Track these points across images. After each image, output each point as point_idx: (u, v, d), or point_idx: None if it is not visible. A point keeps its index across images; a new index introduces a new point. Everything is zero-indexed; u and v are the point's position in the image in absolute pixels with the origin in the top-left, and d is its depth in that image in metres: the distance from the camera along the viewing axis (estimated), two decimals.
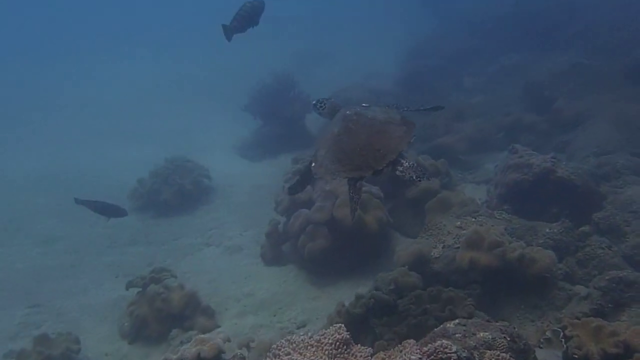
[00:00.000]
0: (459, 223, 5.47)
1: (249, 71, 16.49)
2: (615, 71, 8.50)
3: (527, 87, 9.05)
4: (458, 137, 8.00)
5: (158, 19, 30.75)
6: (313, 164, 3.76)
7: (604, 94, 8.02)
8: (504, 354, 2.89)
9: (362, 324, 4.35)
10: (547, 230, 5.10)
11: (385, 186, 6.48)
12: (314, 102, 4.27)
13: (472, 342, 3.04)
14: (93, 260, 6.90)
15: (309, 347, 2.94)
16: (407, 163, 3.57)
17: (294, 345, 2.96)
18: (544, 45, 12.96)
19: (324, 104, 4.19)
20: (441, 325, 3.39)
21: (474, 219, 5.47)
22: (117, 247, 7.18)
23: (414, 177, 3.53)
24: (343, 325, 3.05)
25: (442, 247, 5.13)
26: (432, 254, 5.02)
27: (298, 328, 5.09)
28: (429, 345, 2.76)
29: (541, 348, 3.57)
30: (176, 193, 8.18)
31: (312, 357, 2.86)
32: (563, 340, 3.34)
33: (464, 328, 3.22)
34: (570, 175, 5.63)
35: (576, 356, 3.18)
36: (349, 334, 3.01)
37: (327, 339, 2.91)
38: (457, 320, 3.37)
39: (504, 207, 5.95)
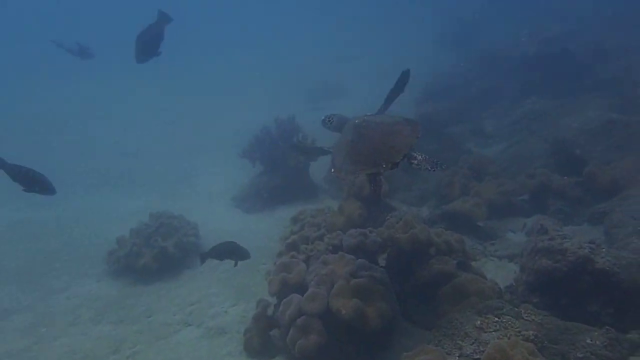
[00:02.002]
0: (479, 322, 4.70)
1: (261, 109, 16.23)
2: None
3: (556, 144, 8.36)
4: (476, 202, 7.29)
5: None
6: (332, 170, 4.34)
7: None
8: None
9: None
10: (589, 341, 4.31)
11: (393, 268, 5.78)
12: (322, 118, 4.93)
13: None
14: (49, 343, 6.16)
15: None
16: (420, 156, 4.31)
17: None
18: (571, 91, 12.33)
19: (332, 119, 4.88)
20: None
21: (497, 319, 4.70)
22: (80, 324, 6.46)
23: (429, 168, 4.26)
24: None
25: (459, 357, 4.36)
26: None
27: None
28: None
29: None
30: (157, 256, 7.54)
31: None
32: None
33: None
34: (613, 267, 4.86)
35: None
36: None
37: None
38: None
39: (532, 299, 5.20)
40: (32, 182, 5.46)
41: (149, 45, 6.06)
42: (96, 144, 15.52)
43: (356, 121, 4.51)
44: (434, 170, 4.31)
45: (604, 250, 5.08)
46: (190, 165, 13.23)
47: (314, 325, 5.02)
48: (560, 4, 22.08)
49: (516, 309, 4.84)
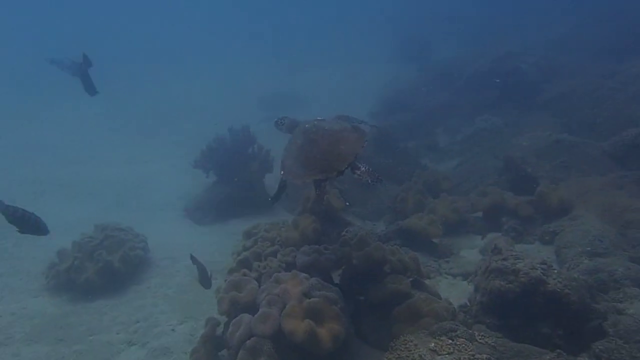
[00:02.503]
0: (433, 345, 4.65)
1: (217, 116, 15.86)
2: (600, 151, 8.06)
3: (508, 162, 8.53)
4: (432, 219, 7.29)
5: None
6: (282, 172, 4.51)
7: (591, 178, 7.52)
8: None
9: None
10: None
11: (348, 286, 5.66)
12: (275, 120, 5.19)
13: None
14: None
15: None
16: (363, 168, 4.42)
17: None
18: (522, 109, 12.72)
19: (284, 121, 5.12)
20: None
21: (451, 341, 4.65)
22: (12, 344, 5.97)
23: (370, 181, 4.40)
24: None
25: None
26: None
27: None
28: None
29: None
30: (101, 271, 7.12)
31: None
32: None
33: None
34: (564, 288, 4.91)
35: None
36: None
37: None
38: None
39: (486, 320, 5.19)
40: (27, 224, 5.49)
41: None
42: (36, 150, 14.70)
43: (306, 125, 4.66)
44: (374, 184, 4.47)
45: (555, 271, 5.14)
46: (139, 174, 12.74)
47: (265, 348, 4.82)
48: (511, 25, 22.97)
49: (470, 331, 4.81)
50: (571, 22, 20.30)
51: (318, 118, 4.85)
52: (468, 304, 5.75)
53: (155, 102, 17.75)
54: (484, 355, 4.39)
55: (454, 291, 6.29)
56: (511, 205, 7.59)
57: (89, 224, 8.53)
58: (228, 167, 10.29)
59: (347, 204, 6.51)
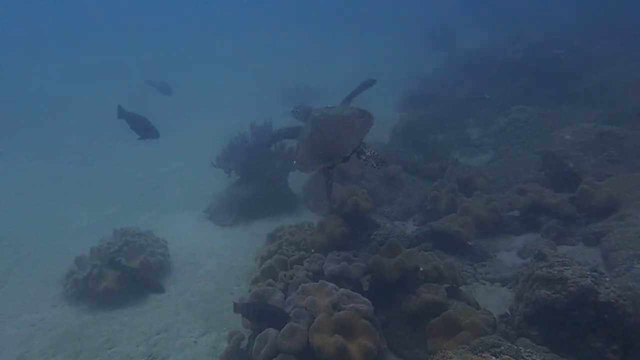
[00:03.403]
0: None
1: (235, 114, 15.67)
2: None
3: (547, 156, 8.08)
4: (465, 221, 6.95)
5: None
6: (295, 162, 4.76)
7: None
8: None
9: None
10: None
11: (378, 295, 5.38)
12: (291, 109, 5.49)
13: None
14: None
15: None
16: (369, 152, 4.62)
17: None
18: (558, 99, 12.17)
19: (299, 110, 5.40)
20: None
21: (494, 358, 4.32)
22: (31, 357, 5.86)
23: (375, 165, 4.58)
24: None
25: None
26: None
27: None
28: None
29: None
30: (121, 279, 6.97)
31: None
32: None
33: None
34: (619, 299, 4.54)
35: None
36: None
37: None
38: None
39: (530, 332, 4.88)
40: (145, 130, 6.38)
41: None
42: (54, 148, 14.75)
43: (315, 114, 4.93)
44: (379, 168, 4.67)
45: (607, 279, 4.77)
46: (159, 173, 12.63)
47: None
48: (542, 12, 22.22)
49: (515, 347, 4.48)
50: (597, 9, 19.51)
51: (328, 106, 5.16)
52: (509, 313, 5.42)
53: (174, 97, 17.64)
54: None
55: (493, 298, 5.95)
56: (551, 203, 7.19)
57: (107, 226, 8.47)
58: (250, 166, 10.07)
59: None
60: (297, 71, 23.21)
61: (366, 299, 5.10)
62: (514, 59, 14.87)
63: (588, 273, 4.75)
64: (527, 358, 4.39)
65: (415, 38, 26.20)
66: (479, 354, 4.46)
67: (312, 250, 6.64)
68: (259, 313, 4.78)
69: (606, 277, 4.83)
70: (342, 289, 5.14)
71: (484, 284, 6.29)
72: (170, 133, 15.88)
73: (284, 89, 20.24)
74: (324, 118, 4.82)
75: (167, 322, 6.39)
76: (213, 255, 8.34)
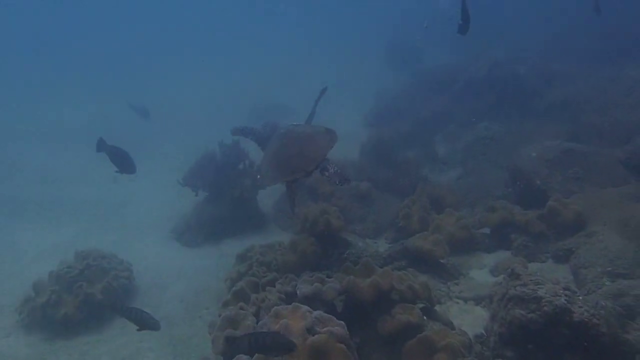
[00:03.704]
0: None
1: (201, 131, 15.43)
2: (614, 160, 7.76)
3: (514, 173, 8.20)
4: (437, 239, 6.95)
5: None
6: (258, 176, 5.02)
7: (605, 190, 7.22)
8: None
9: None
10: None
11: (352, 317, 5.27)
12: (260, 125, 6.04)
13: None
14: None
15: None
16: (332, 169, 4.76)
17: None
18: (522, 116, 12.46)
19: (267, 126, 6.10)
20: None
21: None
22: None
23: (337, 182, 4.75)
24: None
25: None
26: None
27: None
28: None
29: None
30: (81, 305, 6.66)
31: None
32: None
33: None
34: (592, 318, 4.56)
35: None
36: None
37: None
38: None
39: (505, 353, 4.84)
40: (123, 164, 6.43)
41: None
42: (13, 166, 14.15)
43: (282, 130, 5.19)
44: (342, 185, 4.85)
45: (580, 298, 4.80)
46: (122, 192, 12.23)
47: None
48: (503, 29, 22.82)
49: None
50: (556, 28, 20.19)
51: (294, 123, 5.36)
52: (484, 334, 5.39)
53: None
54: None
55: (467, 317, 5.94)
56: (521, 221, 7.27)
57: (69, 248, 8.12)
58: (219, 184, 9.87)
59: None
60: (267, 88, 23.13)
61: (341, 322, 4.97)
62: (477, 76, 15.18)
63: (561, 292, 4.76)
64: None
65: (383, 55, 26.49)
66: None
67: (284, 271, 6.52)
68: (262, 345, 4.11)
69: (579, 295, 4.86)
70: (316, 312, 5.00)
71: (458, 303, 6.27)
72: (134, 151, 15.49)
73: (252, 105, 20.10)
74: (289, 134, 5.04)
75: (131, 350, 6.13)
76: (180, 277, 8.09)
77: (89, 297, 6.75)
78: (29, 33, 35.13)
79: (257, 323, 5.10)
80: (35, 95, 22.20)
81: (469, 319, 5.86)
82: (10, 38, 33.37)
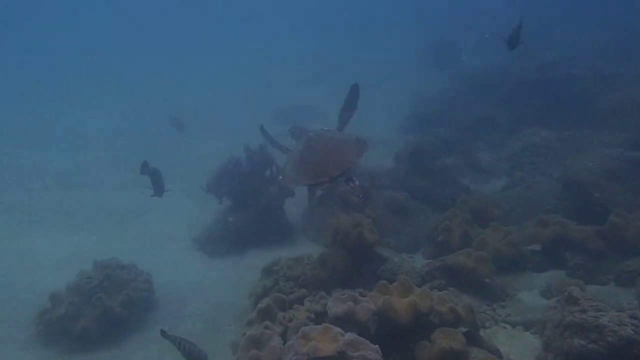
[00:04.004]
0: None
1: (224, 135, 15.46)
2: None
3: (569, 185, 7.88)
4: (481, 257, 6.69)
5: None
6: (281, 177, 5.27)
7: None
8: None
9: None
10: None
11: (387, 341, 5.08)
12: (288, 128, 5.95)
13: None
14: None
15: None
16: (357, 182, 4.90)
17: None
18: (576, 121, 12.05)
19: (295, 130, 5.82)
20: None
21: None
22: None
23: (360, 197, 4.88)
24: None
25: None
26: None
27: None
28: None
29: None
30: (100, 318, 6.67)
31: None
32: None
33: None
34: None
35: None
36: None
37: None
38: None
39: None
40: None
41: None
42: (31, 172, 14.44)
43: (310, 134, 5.30)
44: (363, 200, 5.08)
45: None
46: (143, 199, 12.29)
47: None
48: (553, 29, 22.33)
49: None
50: (608, 31, 19.68)
51: (324, 128, 5.53)
52: None
53: (159, 114, 17.32)
54: None
55: (516, 344, 5.68)
56: (577, 237, 6.96)
57: (87, 258, 8.13)
58: (243, 192, 9.84)
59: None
60: (292, 89, 23.18)
61: (375, 346, 4.79)
62: (526, 78, 14.81)
63: (627, 320, 4.49)
64: None
65: (421, 56, 26.26)
66: None
67: (313, 287, 6.41)
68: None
69: None
70: (348, 334, 4.83)
71: (505, 328, 6.01)
72: (158, 156, 15.66)
73: (277, 108, 20.15)
74: (318, 138, 5.19)
75: None
76: (202, 290, 8.05)
77: (107, 310, 6.75)
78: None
79: (284, 344, 4.96)
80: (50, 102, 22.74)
81: (518, 347, 5.61)
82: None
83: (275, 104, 20.44)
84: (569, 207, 7.94)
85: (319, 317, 5.50)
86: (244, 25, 38.29)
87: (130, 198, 12.38)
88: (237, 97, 23.31)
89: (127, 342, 6.70)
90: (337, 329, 4.92)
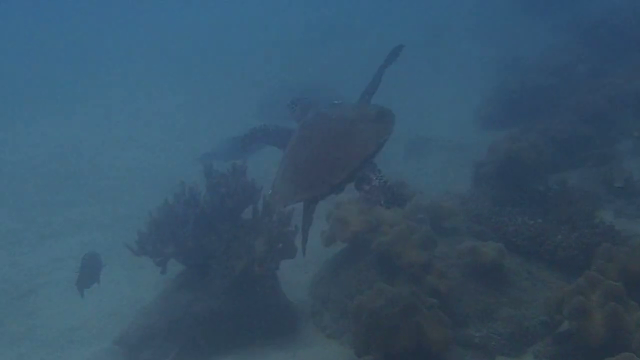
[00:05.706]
0: None
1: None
2: None
3: None
4: None
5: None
6: (270, 191, 5.65)
7: None
8: None
9: None
10: None
11: None
12: (288, 102, 6.30)
13: None
14: None
15: None
16: (376, 180, 5.08)
17: None
18: None
19: (298, 104, 6.19)
20: None
21: None
22: None
23: (382, 202, 5.01)
24: None
25: None
26: None
27: None
28: None
29: None
30: None
31: None
32: None
33: None
34: None
35: None
36: None
37: None
38: None
39: None
40: None
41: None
42: None
43: (310, 115, 5.69)
44: (389, 207, 4.99)
45: None
46: (30, 266, 12.15)
47: None
48: None
49: None
50: None
51: (335, 101, 5.90)
52: None
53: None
54: None
55: None
56: None
57: None
58: (205, 249, 9.49)
59: None
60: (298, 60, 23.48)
61: None
62: None
63: None
64: None
65: None
66: None
67: None
68: None
69: None
70: None
71: None
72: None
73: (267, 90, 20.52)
74: (317, 121, 5.50)
75: None
76: None
77: None
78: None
79: None
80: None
81: None
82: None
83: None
84: None
85: None
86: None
87: (13, 264, 12.28)
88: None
89: None
90: None
